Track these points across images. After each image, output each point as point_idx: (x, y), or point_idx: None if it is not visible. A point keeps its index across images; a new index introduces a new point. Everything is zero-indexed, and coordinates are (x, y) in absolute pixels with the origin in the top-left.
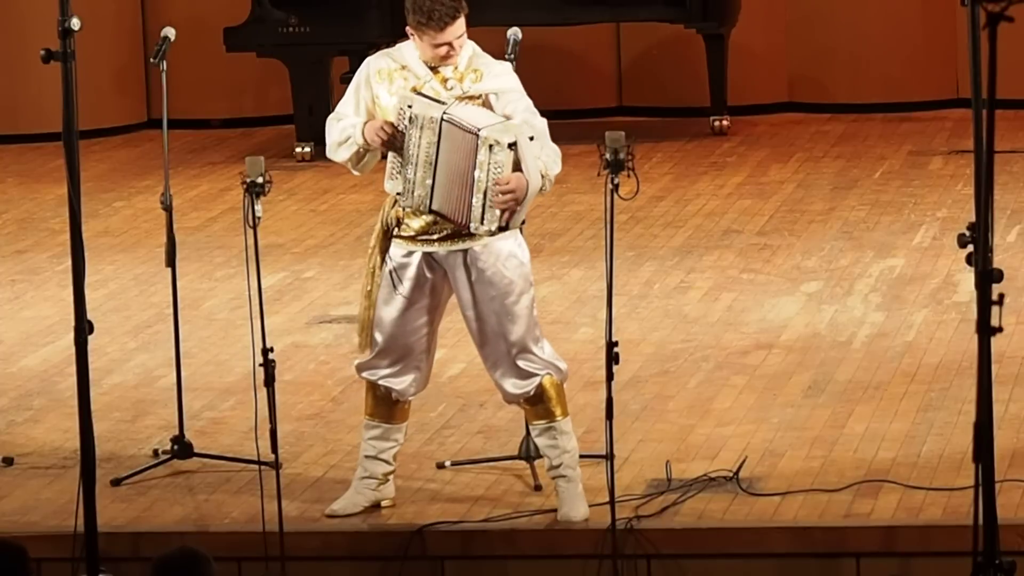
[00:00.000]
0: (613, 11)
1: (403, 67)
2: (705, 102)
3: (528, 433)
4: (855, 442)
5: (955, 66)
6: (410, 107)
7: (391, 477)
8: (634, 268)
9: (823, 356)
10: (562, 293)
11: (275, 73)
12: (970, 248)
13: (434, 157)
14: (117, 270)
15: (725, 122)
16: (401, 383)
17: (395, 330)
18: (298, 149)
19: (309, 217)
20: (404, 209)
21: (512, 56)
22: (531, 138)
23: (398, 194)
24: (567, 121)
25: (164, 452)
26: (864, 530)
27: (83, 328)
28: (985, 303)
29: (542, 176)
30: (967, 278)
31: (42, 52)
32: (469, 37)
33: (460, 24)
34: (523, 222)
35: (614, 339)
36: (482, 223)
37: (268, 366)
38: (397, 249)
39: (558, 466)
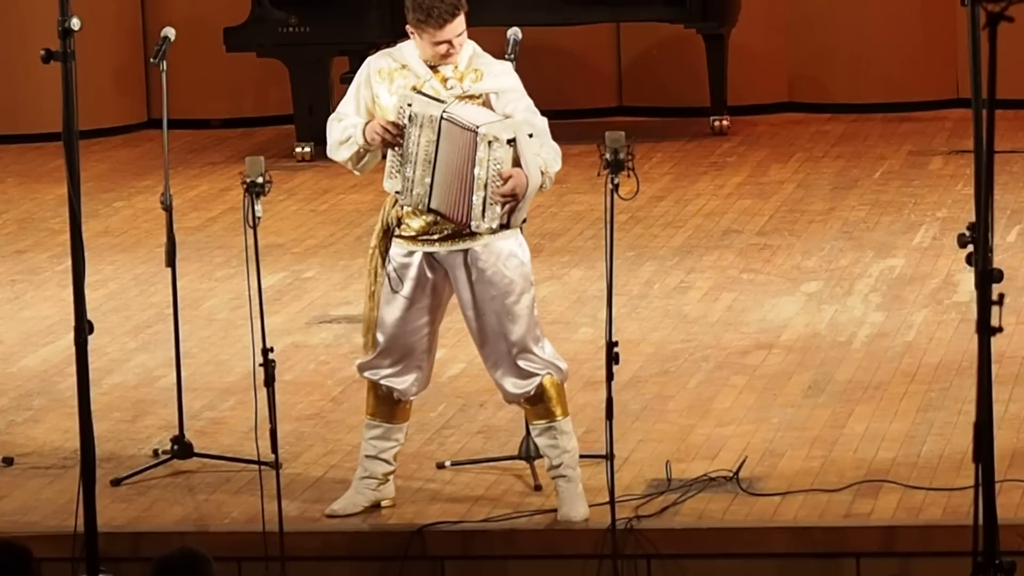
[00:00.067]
0: (613, 11)
1: (403, 66)
2: (705, 102)
3: (528, 433)
4: (855, 442)
5: (955, 66)
6: (410, 106)
7: (391, 477)
8: (634, 268)
9: (823, 356)
10: (562, 293)
11: (275, 73)
12: (970, 248)
13: (433, 156)
14: (117, 270)
15: (725, 122)
16: (403, 383)
17: (396, 330)
18: (298, 149)
19: (309, 217)
20: (404, 209)
21: (512, 56)
22: (530, 135)
23: (397, 192)
24: (567, 121)
25: (164, 452)
26: (864, 530)
27: (83, 328)
28: (985, 303)
29: (542, 173)
30: (967, 278)
31: (42, 52)
32: (469, 37)
33: (460, 22)
34: (524, 220)
35: (614, 339)
36: (483, 221)
37: (268, 366)
38: (398, 249)
39: (558, 466)
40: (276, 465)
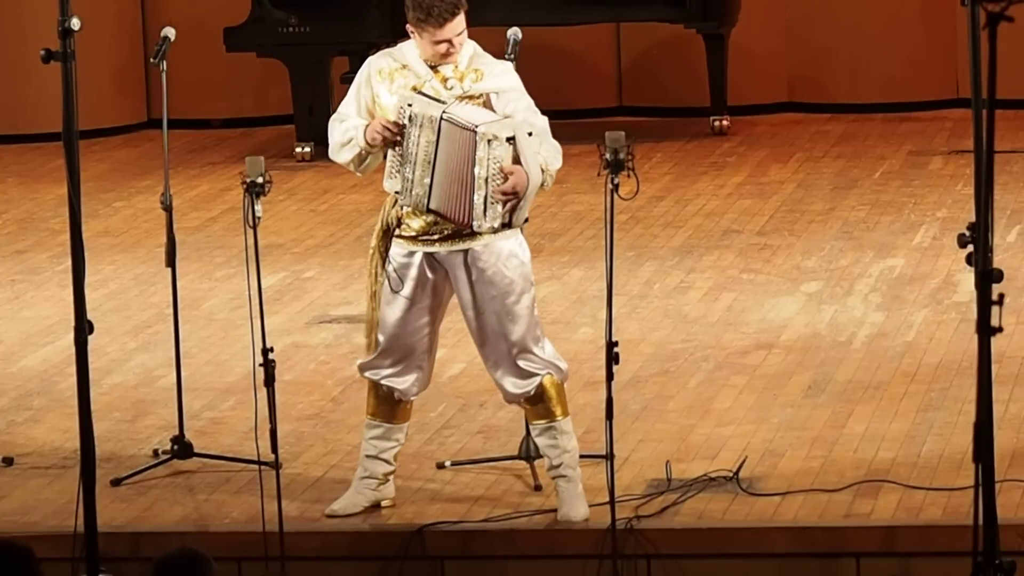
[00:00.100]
0: (613, 11)
1: (404, 66)
2: (705, 102)
3: (528, 433)
4: (855, 442)
5: (955, 66)
6: (410, 106)
7: (391, 477)
8: (634, 268)
9: (823, 356)
10: (562, 293)
11: (275, 73)
12: (970, 248)
13: (433, 156)
14: (117, 270)
15: (725, 122)
16: (404, 383)
17: (397, 330)
18: (298, 149)
19: (309, 217)
20: (404, 209)
21: (512, 56)
22: (530, 134)
23: (396, 192)
24: (567, 121)
25: (164, 452)
26: (864, 530)
27: (83, 328)
28: (985, 303)
29: (543, 171)
30: (967, 278)
31: (42, 52)
32: (469, 37)
33: (460, 21)
34: (527, 220)
35: (614, 339)
36: (485, 220)
37: (268, 366)
38: (398, 249)
39: (558, 466)
40: (276, 465)
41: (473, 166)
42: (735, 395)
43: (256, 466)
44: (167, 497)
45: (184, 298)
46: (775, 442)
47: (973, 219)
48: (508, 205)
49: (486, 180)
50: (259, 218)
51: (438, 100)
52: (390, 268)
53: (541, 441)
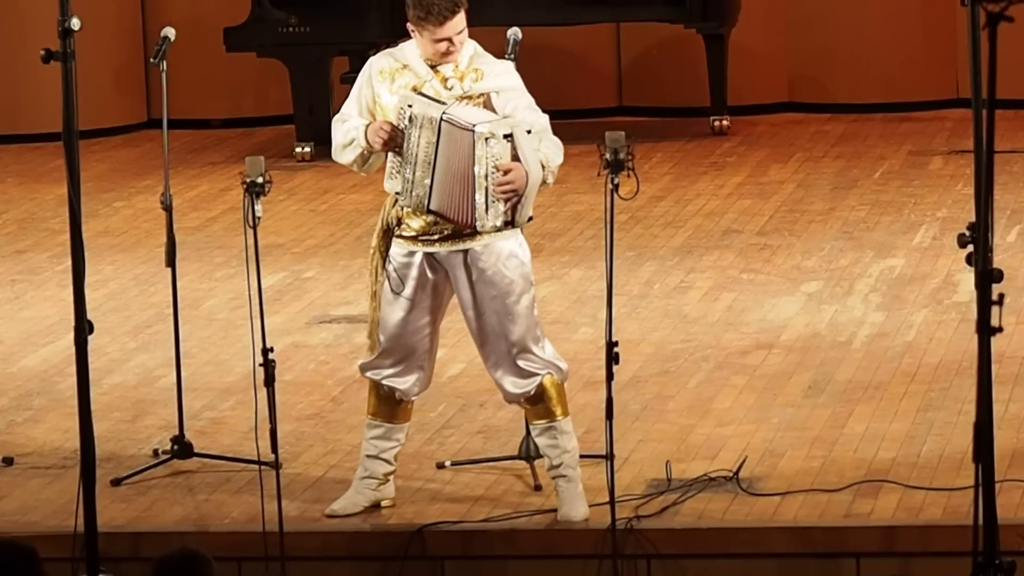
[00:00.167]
0: (613, 11)
1: (404, 66)
2: (705, 102)
3: (528, 433)
4: (855, 442)
5: (955, 66)
6: (410, 107)
7: (391, 477)
8: (634, 268)
9: (823, 356)
10: (562, 293)
11: (275, 73)
12: (970, 248)
13: (433, 157)
14: (117, 270)
15: (725, 122)
16: (405, 383)
17: (398, 330)
18: (298, 149)
19: (309, 217)
20: (404, 209)
21: (512, 56)
22: (528, 131)
23: (397, 193)
24: (567, 121)
25: (164, 452)
26: (864, 530)
27: (83, 328)
28: (985, 303)
29: (543, 167)
30: (967, 278)
31: (42, 52)
32: (469, 37)
33: (460, 19)
34: (530, 218)
35: (614, 339)
36: (487, 219)
37: (268, 366)
38: (398, 249)
39: (558, 466)
40: (276, 465)
41: (473, 165)
42: (735, 395)
43: (256, 466)
44: (167, 497)
45: (184, 298)
46: (775, 442)
47: (973, 219)
48: (509, 203)
49: (486, 178)
50: (259, 218)
51: (438, 101)
52: (390, 268)
53: (541, 441)
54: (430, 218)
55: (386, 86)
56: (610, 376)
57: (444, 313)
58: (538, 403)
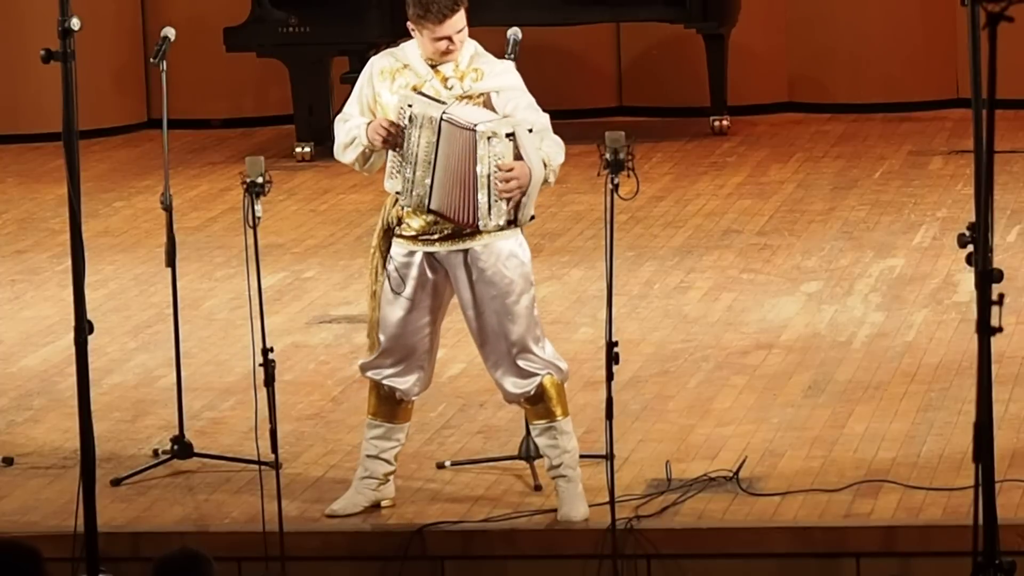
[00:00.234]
0: (613, 11)
1: (405, 66)
2: (705, 102)
3: (528, 433)
4: (855, 442)
5: (955, 66)
6: (410, 107)
7: (391, 477)
8: (634, 268)
9: (823, 356)
10: (562, 293)
11: (275, 73)
12: (970, 248)
13: (433, 157)
14: (117, 270)
15: (725, 122)
16: (405, 383)
17: (398, 330)
18: (298, 149)
19: (309, 217)
20: (404, 208)
21: (512, 56)
22: (530, 130)
23: (397, 193)
24: (567, 121)
25: (164, 452)
26: (864, 530)
27: (83, 328)
28: (985, 303)
29: (545, 165)
30: (967, 278)
31: (42, 52)
32: (469, 37)
33: (460, 18)
34: (532, 217)
35: (614, 339)
36: (490, 219)
37: (268, 366)
38: (398, 249)
39: (558, 466)
40: (276, 465)
41: (475, 165)
42: (735, 395)
43: (256, 466)
44: (167, 497)
45: (184, 298)
46: (775, 442)
47: (973, 219)
48: (512, 201)
49: (488, 178)
50: (259, 218)
51: (438, 100)
52: (391, 268)
53: (541, 441)
54: (430, 218)
55: (387, 85)
56: (610, 376)
57: (444, 313)
58: (538, 403)
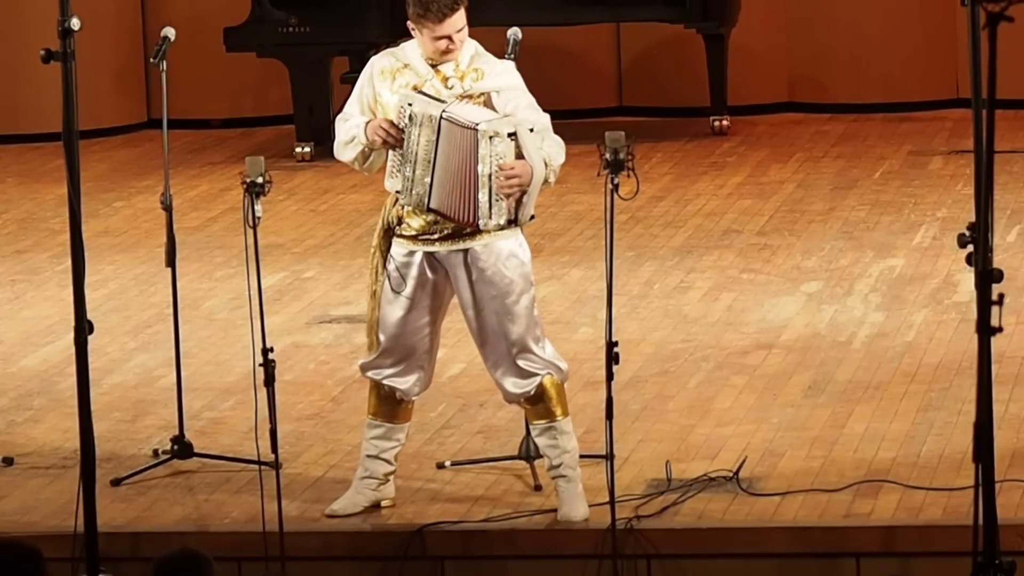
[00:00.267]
0: (613, 11)
1: (405, 65)
2: (705, 102)
3: (528, 433)
4: (855, 442)
5: (955, 66)
6: (410, 105)
7: (391, 477)
8: (634, 268)
9: (823, 356)
10: (562, 293)
11: (275, 73)
12: (970, 248)
13: (433, 155)
14: (117, 270)
15: (725, 122)
16: (405, 383)
17: (398, 330)
18: (298, 149)
19: (309, 217)
20: (405, 208)
21: (512, 56)
22: (531, 130)
23: (397, 192)
24: (567, 121)
25: (164, 452)
26: (864, 530)
27: (83, 328)
28: (985, 303)
29: (546, 165)
30: (967, 278)
31: (42, 52)
32: (469, 37)
33: (460, 17)
34: (532, 217)
35: (614, 339)
36: (491, 218)
37: (268, 366)
38: (399, 248)
39: (558, 466)
40: (276, 465)
41: (476, 164)
42: (735, 395)
43: (256, 466)
44: (167, 497)
45: (184, 298)
46: (775, 442)
47: (973, 219)
48: (511, 198)
49: (490, 177)
50: (259, 218)
51: (438, 99)
52: (391, 267)
53: (541, 441)
54: (430, 217)
55: (387, 85)
56: (610, 376)
57: (444, 313)
58: (538, 403)
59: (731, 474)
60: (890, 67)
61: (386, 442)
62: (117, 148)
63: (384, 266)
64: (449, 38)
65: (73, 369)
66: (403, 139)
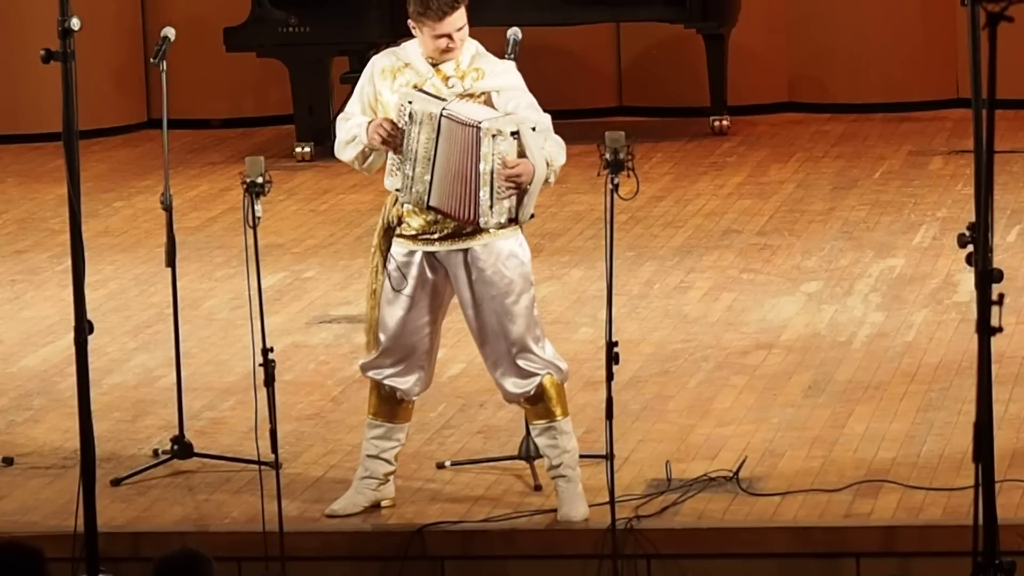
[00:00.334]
0: (613, 11)
1: (406, 64)
2: (705, 102)
3: (528, 433)
4: (855, 442)
5: (955, 66)
6: (410, 103)
7: (391, 477)
8: (634, 268)
9: (823, 356)
10: (562, 293)
11: (275, 73)
12: (970, 248)
13: (432, 153)
14: (117, 270)
15: (725, 122)
16: (406, 383)
17: (398, 330)
18: (298, 149)
19: (309, 217)
20: (405, 207)
21: (512, 56)
22: (533, 128)
23: (397, 190)
24: (567, 121)
25: (164, 452)
26: (864, 530)
27: (83, 328)
28: (985, 303)
29: (547, 164)
30: (967, 278)
31: (42, 52)
32: (469, 37)
33: (460, 15)
34: (532, 216)
35: (614, 339)
36: (491, 216)
37: (268, 366)
38: (399, 248)
39: (558, 466)
40: (276, 465)
41: (477, 162)
42: (735, 395)
43: (256, 466)
44: (167, 497)
45: (184, 298)
46: (775, 442)
47: (973, 219)
48: (510, 194)
49: (491, 175)
50: (259, 218)
51: (438, 98)
52: (391, 266)
53: (541, 441)
54: (430, 216)
55: (387, 84)
56: (610, 376)
57: (444, 313)
58: (538, 403)
59: (731, 474)
60: (890, 67)
61: (386, 442)
62: (117, 148)
63: (384, 266)
64: (449, 36)
65: (73, 369)
66: (403, 139)
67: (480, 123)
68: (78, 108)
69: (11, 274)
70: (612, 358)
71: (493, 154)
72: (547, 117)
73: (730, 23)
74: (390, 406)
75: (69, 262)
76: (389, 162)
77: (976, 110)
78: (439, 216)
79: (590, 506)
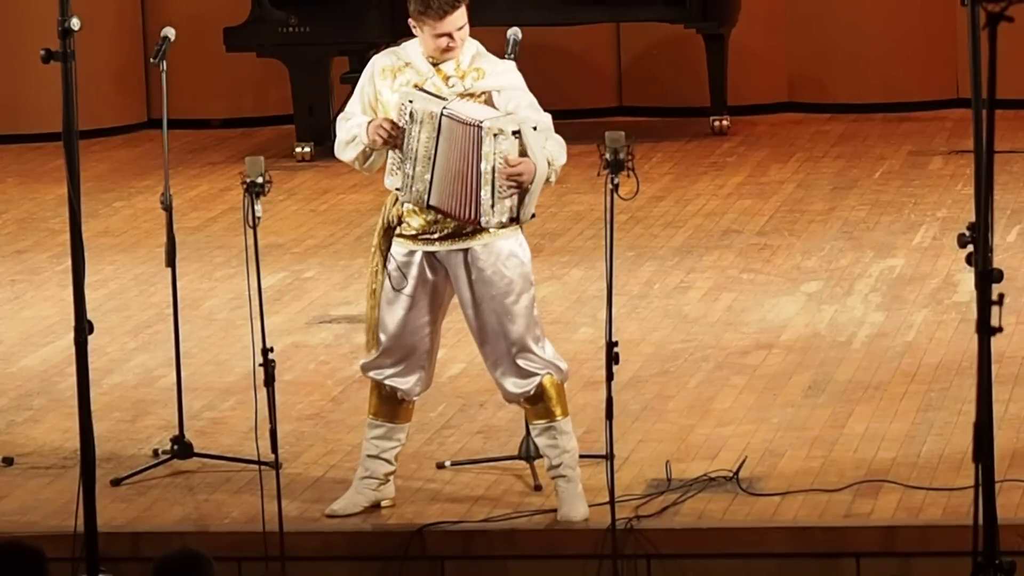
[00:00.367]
0: (613, 11)
1: (407, 64)
2: (705, 102)
3: (528, 433)
4: (855, 442)
5: (955, 66)
6: (411, 103)
7: (392, 477)
8: (634, 268)
9: (823, 356)
10: (562, 293)
11: (275, 73)
12: (970, 248)
13: (433, 152)
14: (117, 270)
15: (725, 122)
16: (406, 383)
17: (399, 330)
18: (298, 149)
19: (309, 217)
20: (405, 207)
21: (512, 56)
22: (534, 128)
23: (397, 189)
24: (567, 121)
25: (164, 452)
26: (864, 530)
27: (83, 328)
28: (985, 303)
29: (548, 164)
30: (967, 278)
31: (42, 52)
32: (469, 36)
33: (460, 14)
34: (533, 215)
35: (614, 339)
36: (493, 215)
37: (268, 366)
38: (399, 248)
39: (558, 466)
40: (276, 465)
41: (479, 162)
42: (735, 395)
43: (256, 466)
44: (167, 497)
45: (184, 298)
46: (775, 442)
47: (973, 219)
48: (513, 194)
49: (492, 174)
50: (259, 218)
51: (439, 97)
52: (392, 266)
53: (541, 441)
54: (430, 216)
55: (388, 84)
56: (610, 376)
57: (444, 313)
58: (538, 403)
59: (731, 474)
60: (890, 67)
61: (387, 442)
62: (117, 148)
63: (384, 266)
64: (449, 36)
65: (73, 369)
66: (403, 139)
67: (482, 122)
68: (78, 108)
69: (11, 274)
70: (612, 358)
71: (495, 153)
72: (548, 117)
73: (730, 23)
74: (390, 406)
75: (69, 262)
76: (389, 161)
77: (976, 110)
78: (439, 216)
79: (590, 506)
